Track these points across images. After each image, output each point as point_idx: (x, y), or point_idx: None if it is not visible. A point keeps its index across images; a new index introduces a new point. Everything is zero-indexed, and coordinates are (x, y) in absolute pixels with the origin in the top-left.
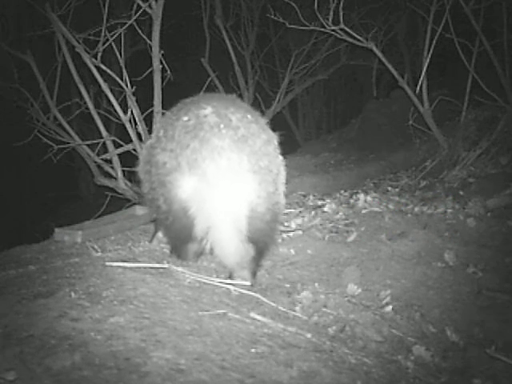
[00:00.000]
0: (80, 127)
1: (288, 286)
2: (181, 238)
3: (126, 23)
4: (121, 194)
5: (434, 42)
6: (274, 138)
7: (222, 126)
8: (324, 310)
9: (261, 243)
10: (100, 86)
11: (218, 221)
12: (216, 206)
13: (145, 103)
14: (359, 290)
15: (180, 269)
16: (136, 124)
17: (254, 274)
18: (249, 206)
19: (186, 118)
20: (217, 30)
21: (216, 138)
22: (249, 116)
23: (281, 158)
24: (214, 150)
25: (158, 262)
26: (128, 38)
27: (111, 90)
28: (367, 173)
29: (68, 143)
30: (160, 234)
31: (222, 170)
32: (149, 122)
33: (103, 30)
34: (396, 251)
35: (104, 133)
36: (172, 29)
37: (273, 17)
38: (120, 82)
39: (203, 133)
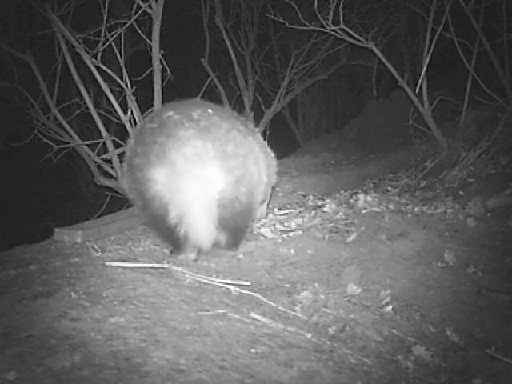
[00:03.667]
0: (80, 127)
1: (288, 286)
2: (170, 232)
3: (126, 23)
4: (121, 194)
5: (434, 41)
6: (238, 124)
7: (184, 120)
8: (324, 310)
9: (234, 218)
10: (100, 86)
11: (189, 206)
12: (186, 191)
13: (145, 103)
14: (359, 290)
15: (180, 269)
16: (136, 124)
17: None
18: (217, 187)
19: (150, 123)
20: (217, 30)
21: (180, 131)
22: (209, 111)
23: (250, 140)
24: (180, 140)
25: (158, 262)
26: (128, 37)
27: (111, 90)
28: (367, 173)
29: (68, 143)
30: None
31: (189, 157)
32: None
33: (103, 30)
34: (396, 251)
35: (104, 133)
36: (172, 29)
37: (273, 17)
38: (120, 82)
39: (168, 129)
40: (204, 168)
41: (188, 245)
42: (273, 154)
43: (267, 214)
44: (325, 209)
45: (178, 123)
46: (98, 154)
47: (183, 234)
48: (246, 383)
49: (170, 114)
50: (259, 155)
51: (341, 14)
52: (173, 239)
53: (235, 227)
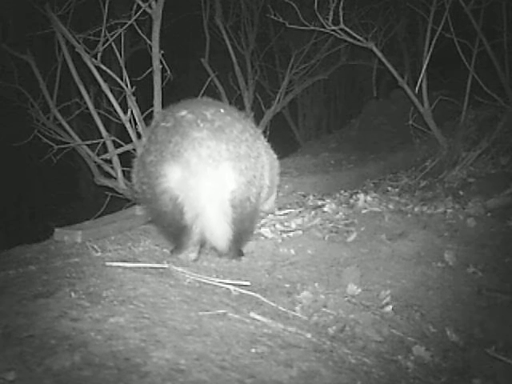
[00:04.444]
0: (80, 127)
1: (288, 286)
2: (175, 229)
3: (126, 23)
4: (121, 194)
5: (434, 41)
6: (249, 127)
7: (198, 121)
8: (324, 310)
9: (243, 219)
10: (100, 86)
11: (205, 206)
12: (201, 192)
13: (145, 103)
14: (359, 290)
15: (180, 269)
16: (136, 124)
17: (239, 253)
18: (230, 188)
19: (164, 122)
20: (217, 30)
21: (195, 131)
22: (222, 110)
23: (259, 143)
24: (195, 140)
25: (158, 262)
26: (128, 38)
27: (111, 90)
28: (367, 173)
29: (68, 143)
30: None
31: (204, 157)
32: (149, 122)
33: (103, 30)
34: (396, 251)
35: (104, 133)
36: (172, 29)
37: (273, 17)
38: (120, 82)
39: (182, 129)
40: (217, 169)
41: (191, 243)
42: (275, 156)
43: (267, 214)
44: (325, 209)
45: (193, 123)
46: (98, 154)
47: (198, 234)
48: (246, 383)
49: (184, 113)
50: (264, 158)
51: (341, 13)
52: (178, 237)
53: (242, 229)
